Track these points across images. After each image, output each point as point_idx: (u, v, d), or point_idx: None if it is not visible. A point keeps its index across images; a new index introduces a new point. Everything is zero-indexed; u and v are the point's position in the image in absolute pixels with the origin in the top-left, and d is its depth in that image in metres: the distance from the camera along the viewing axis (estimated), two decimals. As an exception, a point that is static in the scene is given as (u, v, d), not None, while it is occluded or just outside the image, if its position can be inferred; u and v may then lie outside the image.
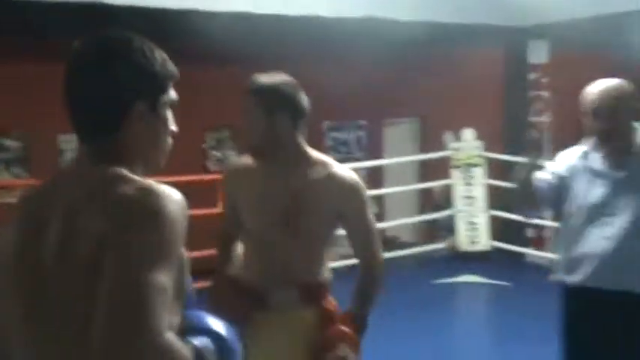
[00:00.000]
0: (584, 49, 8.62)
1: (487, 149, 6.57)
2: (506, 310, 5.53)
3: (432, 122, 8.49)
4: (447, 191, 6.87)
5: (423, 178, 8.02)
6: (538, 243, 7.26)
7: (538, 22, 6.61)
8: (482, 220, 6.51)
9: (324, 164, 2.06)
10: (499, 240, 6.64)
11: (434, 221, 7.26)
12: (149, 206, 1.08)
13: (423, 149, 8.40)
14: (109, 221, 1.07)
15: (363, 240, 2.10)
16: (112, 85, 1.14)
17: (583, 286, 2.38)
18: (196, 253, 5.37)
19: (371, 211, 2.12)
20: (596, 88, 2.35)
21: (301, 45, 7.04)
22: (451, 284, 6.21)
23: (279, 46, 6.61)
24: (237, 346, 1.25)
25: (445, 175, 6.79)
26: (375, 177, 6.82)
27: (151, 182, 1.13)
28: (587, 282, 2.36)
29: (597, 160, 2.40)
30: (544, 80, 7.26)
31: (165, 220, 1.07)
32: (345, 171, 2.08)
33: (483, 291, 6.20)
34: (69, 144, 6.00)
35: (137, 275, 1.02)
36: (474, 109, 7.60)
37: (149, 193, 1.10)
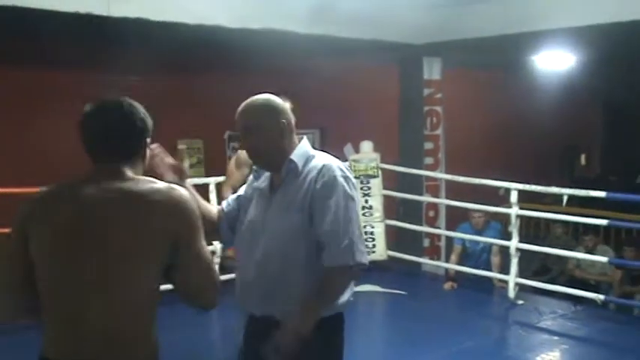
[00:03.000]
0: (474, 67, 9.08)
1: (383, 161, 6.76)
2: (401, 318, 5.70)
3: (332, 134, 8.63)
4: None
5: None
6: (433, 252, 7.54)
7: (431, 40, 6.90)
8: (378, 230, 6.67)
9: None
10: (395, 250, 6.83)
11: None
12: (185, 198, 1.83)
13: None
14: (169, 215, 1.76)
15: None
16: (138, 128, 1.84)
17: (245, 312, 2.29)
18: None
19: None
20: (242, 105, 2.24)
21: (202, 54, 6.98)
22: (349, 293, 6.31)
23: (179, 55, 6.53)
24: None
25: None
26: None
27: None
28: (242, 308, 2.28)
29: (262, 179, 2.32)
30: (438, 96, 7.57)
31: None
32: None
33: (381, 300, 6.34)
34: None
35: (202, 246, 1.83)
36: (373, 122, 7.81)
37: (176, 189, 1.83)
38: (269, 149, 2.20)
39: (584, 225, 6.71)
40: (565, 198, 5.55)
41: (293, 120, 2.28)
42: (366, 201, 6.67)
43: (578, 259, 6.76)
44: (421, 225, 7.31)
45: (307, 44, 6.30)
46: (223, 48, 6.71)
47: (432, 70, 7.46)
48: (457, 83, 8.34)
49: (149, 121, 1.88)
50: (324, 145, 9.04)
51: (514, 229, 5.67)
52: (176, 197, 1.79)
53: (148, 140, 1.90)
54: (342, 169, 2.18)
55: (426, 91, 7.51)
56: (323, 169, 2.15)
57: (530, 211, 5.97)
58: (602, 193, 5.40)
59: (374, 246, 6.67)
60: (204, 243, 1.83)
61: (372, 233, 6.66)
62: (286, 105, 2.30)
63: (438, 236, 7.44)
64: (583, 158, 13.45)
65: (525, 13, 5.99)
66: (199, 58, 6.95)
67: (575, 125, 12.49)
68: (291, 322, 2.06)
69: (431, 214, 7.55)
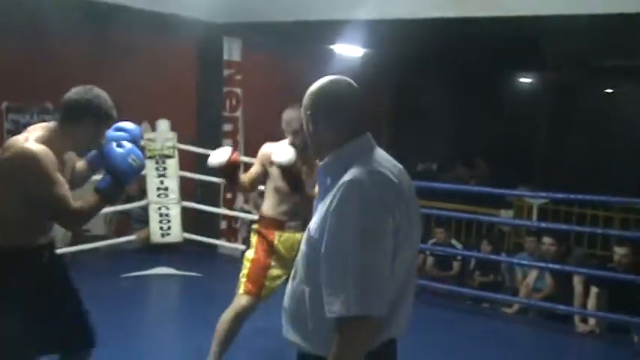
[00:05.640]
0: (273, 52, 9.20)
1: (180, 141, 6.59)
2: (197, 299, 5.63)
3: (127, 111, 8.22)
4: (140, 182, 6.70)
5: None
6: (229, 234, 7.54)
7: (231, 20, 6.83)
8: (174, 211, 6.51)
9: None
10: (191, 232, 6.71)
11: (127, 213, 7.04)
12: None
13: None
14: None
15: None
16: None
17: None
18: None
19: None
20: None
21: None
22: (143, 277, 6.10)
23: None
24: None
25: (139, 165, 6.61)
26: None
27: None
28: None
29: None
30: (237, 77, 7.54)
31: None
32: None
33: (175, 282, 6.21)
34: None
35: None
36: (169, 101, 7.55)
37: None
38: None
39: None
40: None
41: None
42: (162, 182, 6.48)
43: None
44: (218, 207, 7.26)
45: (99, 13, 5.91)
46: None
47: (232, 51, 7.40)
48: (259, 68, 8.38)
49: None
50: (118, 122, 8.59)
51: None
52: None
53: None
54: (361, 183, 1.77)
55: (226, 72, 7.44)
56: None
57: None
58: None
59: (169, 228, 6.51)
60: None
61: (167, 215, 6.49)
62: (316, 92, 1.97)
63: (235, 218, 7.46)
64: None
65: (326, 2, 6.17)
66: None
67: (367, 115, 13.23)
68: None
69: (228, 196, 7.53)
